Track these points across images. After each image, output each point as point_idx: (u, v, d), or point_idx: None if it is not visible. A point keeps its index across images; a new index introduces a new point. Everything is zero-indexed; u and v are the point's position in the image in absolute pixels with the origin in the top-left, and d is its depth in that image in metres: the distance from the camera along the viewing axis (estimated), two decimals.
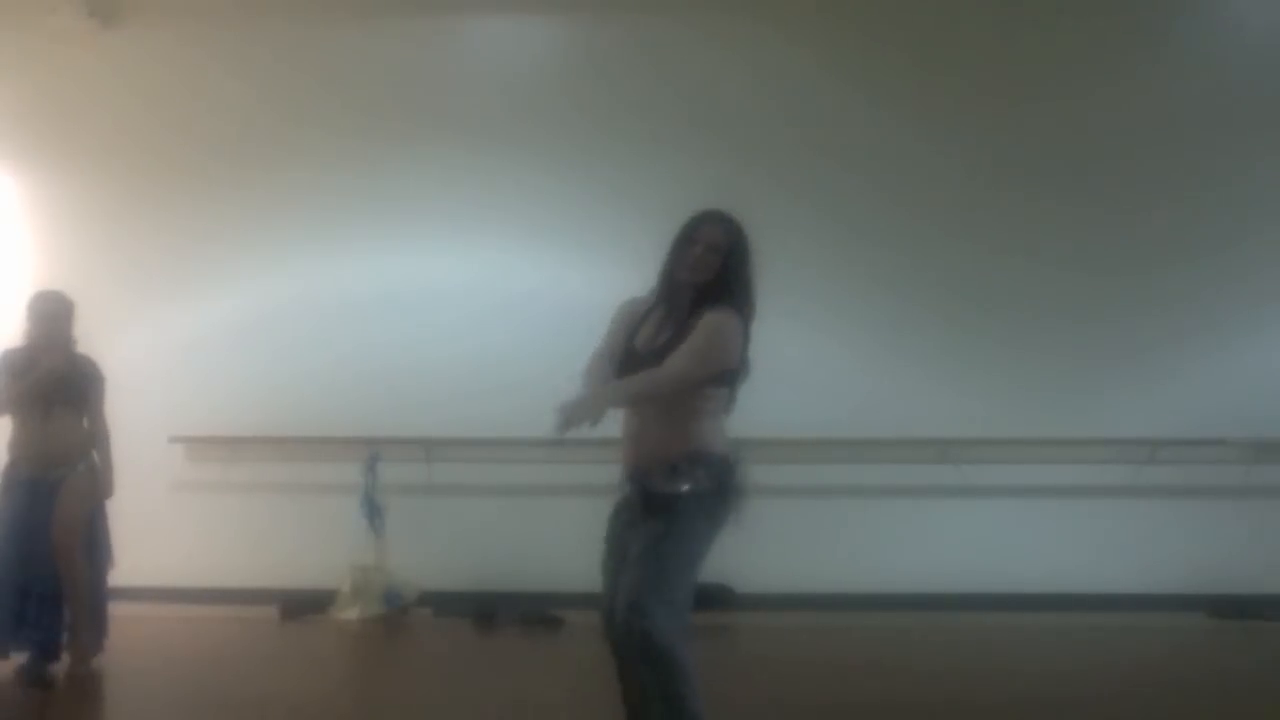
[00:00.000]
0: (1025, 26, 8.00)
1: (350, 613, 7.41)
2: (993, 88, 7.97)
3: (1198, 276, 7.81)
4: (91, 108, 8.17)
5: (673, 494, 3.59)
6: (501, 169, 7.96)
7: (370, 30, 8.20)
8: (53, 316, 5.79)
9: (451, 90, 8.12)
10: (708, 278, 3.61)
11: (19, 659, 5.66)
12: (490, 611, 7.39)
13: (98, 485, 5.85)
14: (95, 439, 5.89)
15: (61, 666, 5.71)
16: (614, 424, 3.64)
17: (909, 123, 7.94)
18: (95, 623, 5.83)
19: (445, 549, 7.77)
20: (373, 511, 7.69)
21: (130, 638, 6.30)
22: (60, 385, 5.73)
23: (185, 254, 8.10)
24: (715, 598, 7.01)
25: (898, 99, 7.97)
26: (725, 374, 3.66)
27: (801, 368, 7.47)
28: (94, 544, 5.87)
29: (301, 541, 7.77)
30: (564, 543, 7.47)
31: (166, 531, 7.72)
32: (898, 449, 7.75)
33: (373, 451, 7.75)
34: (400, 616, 7.51)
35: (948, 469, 7.74)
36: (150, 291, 8.04)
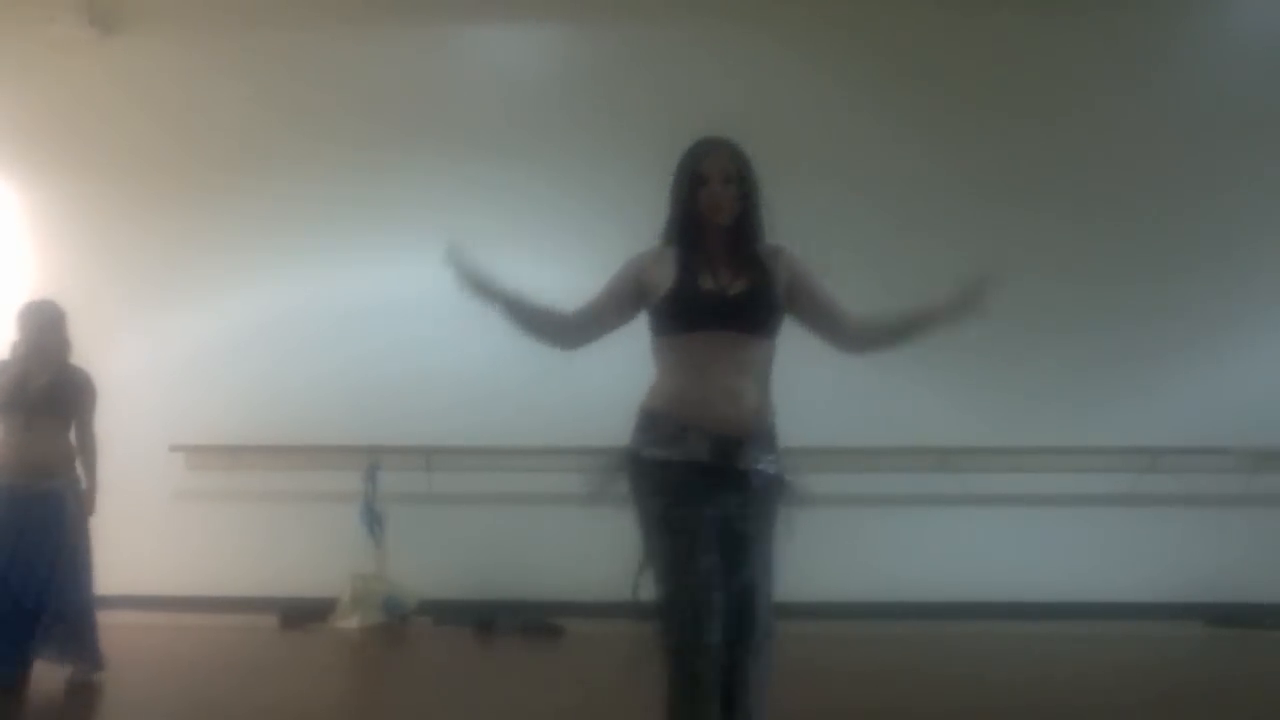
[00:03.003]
0: (1020, 38, 8.02)
1: (350, 621, 7.41)
2: (992, 99, 7.98)
3: (1198, 285, 7.82)
4: (91, 116, 8.19)
5: (777, 476, 3.31)
6: (502, 177, 7.97)
7: (369, 39, 8.22)
8: (38, 327, 5.72)
9: (451, 98, 8.14)
10: (734, 216, 3.29)
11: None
12: (490, 620, 7.40)
13: (79, 500, 5.75)
14: (81, 451, 5.79)
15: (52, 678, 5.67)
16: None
17: (907, 132, 7.95)
18: (87, 640, 5.72)
19: (445, 557, 7.77)
20: (373, 520, 7.70)
21: (130, 646, 6.30)
22: (43, 395, 5.64)
23: (185, 262, 8.11)
24: None
25: (896, 110, 7.98)
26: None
27: (801, 376, 7.44)
28: (76, 558, 5.72)
29: (302, 550, 7.78)
30: (564, 551, 7.52)
31: (167, 540, 7.73)
32: (898, 457, 7.76)
33: (373, 460, 7.76)
34: (400, 625, 7.51)
35: (948, 477, 7.74)
36: (150, 300, 8.05)
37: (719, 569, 3.16)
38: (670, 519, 3.18)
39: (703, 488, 3.19)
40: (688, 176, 3.28)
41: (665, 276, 3.26)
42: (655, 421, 3.26)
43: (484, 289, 3.29)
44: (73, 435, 5.80)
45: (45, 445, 5.68)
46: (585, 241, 7.84)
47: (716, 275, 3.25)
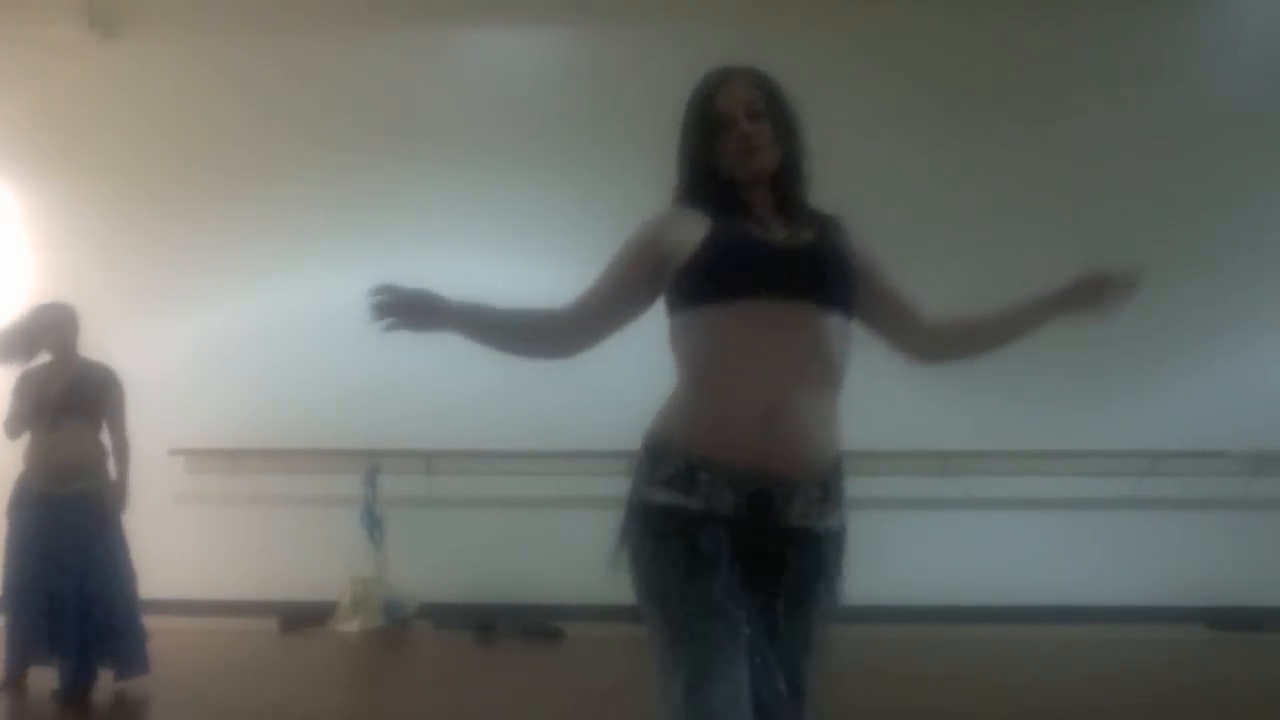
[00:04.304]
0: (1020, 41, 8.01)
1: (350, 625, 7.40)
2: (991, 102, 7.98)
3: (1198, 289, 7.80)
4: (91, 120, 8.19)
5: (830, 533, 2.39)
6: (500, 181, 7.97)
7: (369, 43, 8.22)
8: (47, 329, 5.68)
9: (450, 102, 8.14)
10: (776, 160, 2.39)
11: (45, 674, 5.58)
12: (490, 624, 7.39)
13: (108, 501, 5.69)
14: (114, 450, 5.74)
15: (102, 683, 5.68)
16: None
17: (905, 136, 7.95)
18: (130, 644, 5.73)
19: (445, 561, 7.76)
20: (373, 523, 7.70)
21: None
22: (64, 397, 5.62)
23: (184, 266, 8.11)
24: None
25: (893, 113, 7.98)
26: None
27: None
28: (113, 560, 5.71)
29: (301, 553, 7.77)
30: (564, 555, 7.50)
31: (166, 543, 7.69)
32: (898, 461, 7.75)
33: (373, 464, 7.75)
34: (400, 629, 7.50)
35: (948, 481, 7.73)
36: (150, 303, 8.04)
37: (749, 682, 2.20)
38: (683, 600, 2.22)
39: (733, 555, 2.22)
40: (700, 121, 2.44)
41: (692, 232, 2.33)
42: (658, 453, 2.30)
43: (433, 313, 2.43)
44: (105, 435, 5.76)
45: (73, 447, 5.63)
46: (585, 245, 7.83)
47: (767, 227, 2.34)
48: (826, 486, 2.30)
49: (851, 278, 2.34)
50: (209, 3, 8.29)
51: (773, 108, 2.41)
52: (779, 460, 2.20)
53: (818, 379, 2.25)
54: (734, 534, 2.22)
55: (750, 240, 2.28)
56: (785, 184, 2.39)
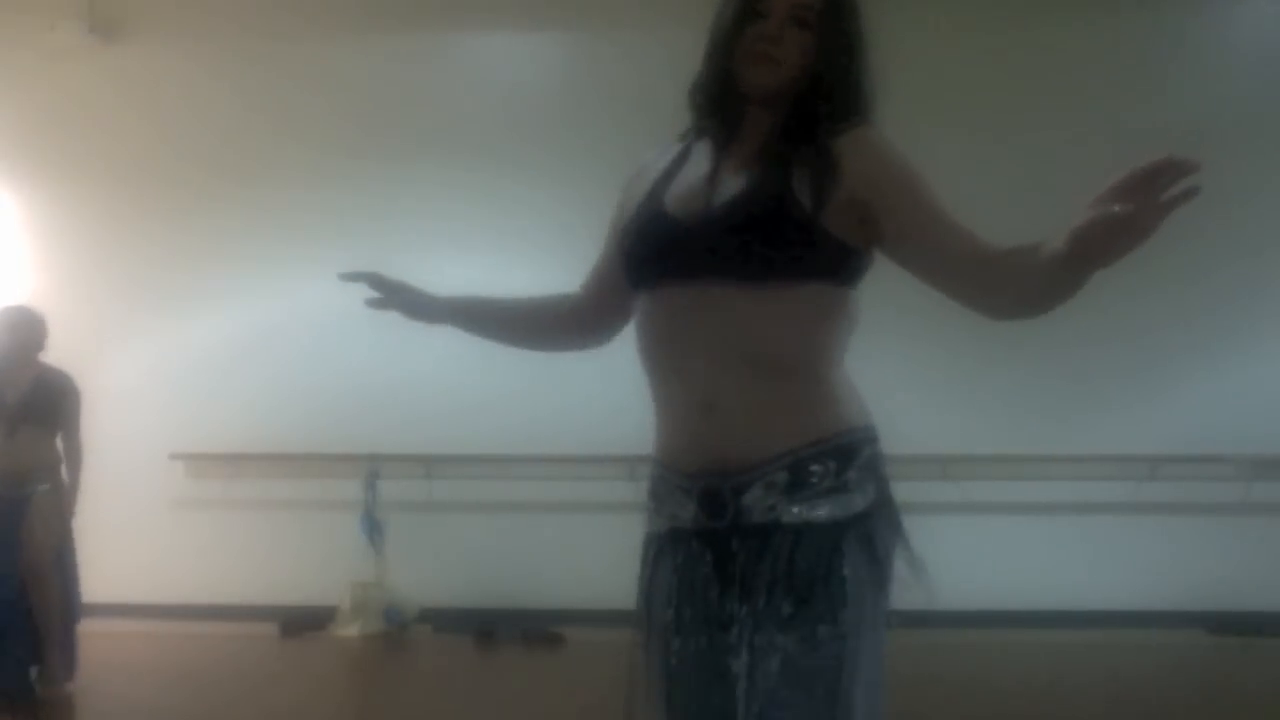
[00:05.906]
0: (1024, 39, 8.02)
1: (350, 630, 7.40)
2: (993, 101, 7.98)
3: (1197, 293, 7.81)
4: (91, 124, 8.19)
5: (808, 526, 1.91)
6: (499, 185, 7.97)
7: (368, 48, 8.23)
8: (9, 332, 5.62)
9: (449, 107, 8.15)
10: (786, 81, 1.95)
11: None
12: (490, 628, 7.38)
13: (63, 505, 5.66)
14: (66, 456, 5.71)
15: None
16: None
17: (907, 134, 7.93)
18: (65, 647, 5.66)
19: (445, 565, 7.76)
20: (373, 528, 7.69)
21: (130, 655, 6.30)
22: (23, 403, 5.56)
23: (185, 270, 8.11)
24: None
25: (893, 117, 7.97)
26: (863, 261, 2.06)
27: None
28: (61, 565, 5.65)
29: (302, 558, 7.77)
30: (565, 559, 7.52)
31: (166, 548, 7.72)
32: (898, 466, 7.68)
33: (373, 468, 7.75)
34: (400, 633, 7.50)
35: (948, 486, 7.73)
36: (151, 307, 8.04)
37: None
38: (643, 640, 2.02)
39: (699, 578, 1.91)
40: (735, 4, 1.94)
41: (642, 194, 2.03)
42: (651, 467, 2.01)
43: (421, 305, 2.31)
44: (59, 440, 5.73)
45: (29, 452, 5.60)
46: (585, 247, 7.83)
47: (716, 178, 1.96)
48: (797, 469, 1.90)
49: (771, 236, 1.86)
50: (209, 7, 8.29)
51: (829, 24, 1.93)
52: (719, 450, 1.87)
53: (757, 365, 1.89)
54: (707, 548, 1.92)
55: (652, 219, 1.96)
56: (799, 116, 1.96)
